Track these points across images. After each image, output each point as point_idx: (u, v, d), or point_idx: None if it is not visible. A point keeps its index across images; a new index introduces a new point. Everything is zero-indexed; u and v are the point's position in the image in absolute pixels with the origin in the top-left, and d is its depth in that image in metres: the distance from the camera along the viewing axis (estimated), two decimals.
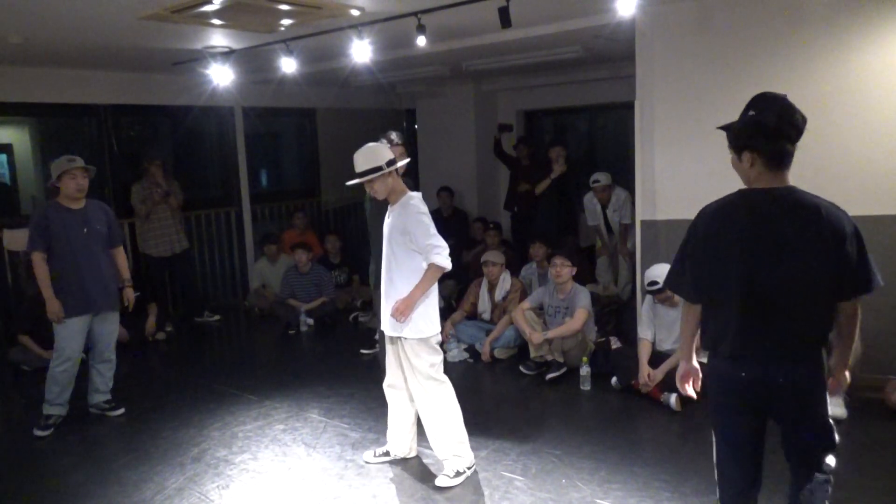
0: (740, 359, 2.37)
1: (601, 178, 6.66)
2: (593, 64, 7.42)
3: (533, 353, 5.20)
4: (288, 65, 5.57)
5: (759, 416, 2.44)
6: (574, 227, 7.60)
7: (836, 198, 2.35)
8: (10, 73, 6.22)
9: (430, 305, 3.50)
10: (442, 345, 3.72)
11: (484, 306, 5.98)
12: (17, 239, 6.25)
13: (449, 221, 8.05)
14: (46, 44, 5.29)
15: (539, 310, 5.42)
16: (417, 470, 3.72)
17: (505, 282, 5.92)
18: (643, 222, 5.11)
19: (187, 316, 7.25)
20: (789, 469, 2.53)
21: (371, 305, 6.64)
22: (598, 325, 5.60)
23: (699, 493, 3.29)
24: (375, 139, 3.61)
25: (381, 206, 3.73)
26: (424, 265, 3.42)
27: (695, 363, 2.66)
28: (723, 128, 2.42)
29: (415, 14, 4.52)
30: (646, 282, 4.66)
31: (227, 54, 5.71)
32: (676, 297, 4.52)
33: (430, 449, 3.65)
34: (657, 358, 4.56)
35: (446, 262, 3.40)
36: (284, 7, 4.31)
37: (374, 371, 5.03)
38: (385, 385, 3.75)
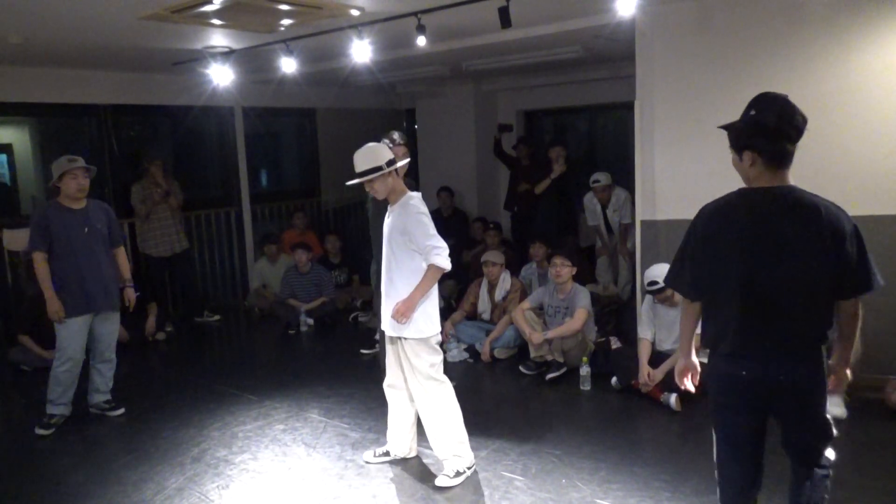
0: (741, 358, 2.38)
1: (601, 178, 6.66)
2: (593, 64, 7.42)
3: (533, 353, 5.20)
4: (288, 65, 5.57)
5: (759, 415, 2.45)
6: (574, 227, 7.60)
7: (836, 198, 2.35)
8: (10, 73, 6.22)
9: (431, 305, 3.50)
10: (442, 345, 3.72)
11: (484, 306, 5.98)
12: (17, 239, 6.24)
13: (449, 221, 8.05)
14: (46, 44, 5.29)
15: (539, 310, 5.42)
16: (417, 470, 3.72)
17: (505, 282, 5.92)
18: (643, 222, 5.11)
19: (187, 316, 7.25)
20: (790, 466, 2.54)
21: (371, 305, 6.64)
22: (598, 325, 5.60)
23: (699, 493, 3.29)
24: (375, 139, 3.61)
25: (383, 207, 3.73)
26: (424, 266, 3.43)
27: (694, 359, 2.67)
28: (724, 127, 2.43)
29: (415, 14, 4.53)
30: (646, 282, 4.66)
31: (227, 54, 5.71)
32: (676, 297, 4.53)
33: (430, 449, 3.65)
34: (657, 358, 4.56)
35: (446, 263, 3.40)
36: (284, 7, 4.31)
37: (374, 371, 5.03)
38: (385, 385, 3.75)
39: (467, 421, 3.64)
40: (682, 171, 4.90)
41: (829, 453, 2.48)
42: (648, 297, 4.75)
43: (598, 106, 8.66)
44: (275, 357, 6.34)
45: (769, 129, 2.26)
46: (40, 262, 4.33)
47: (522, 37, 5.48)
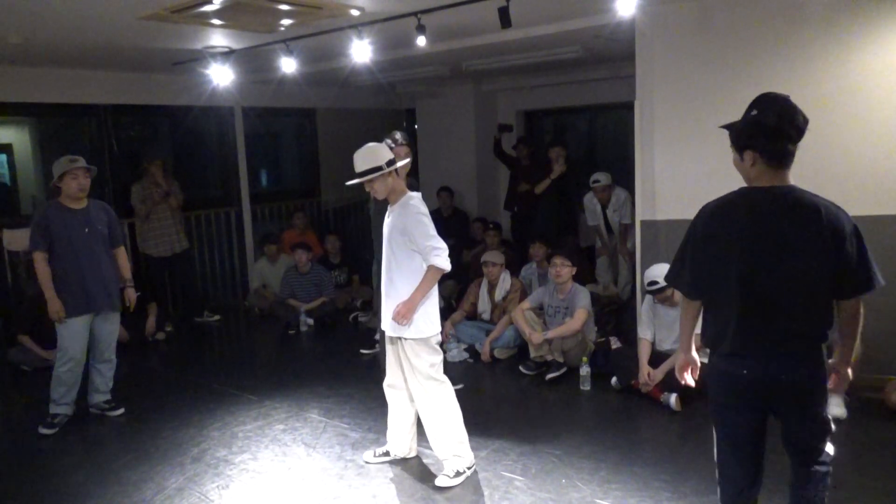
0: (741, 357, 2.38)
1: (601, 178, 6.66)
2: (593, 64, 7.42)
3: (533, 353, 5.20)
4: (288, 65, 5.57)
5: (760, 414, 2.45)
6: (574, 227, 7.60)
7: (836, 198, 2.36)
8: (10, 73, 6.22)
9: (431, 305, 3.50)
10: (442, 345, 3.73)
11: (484, 306, 5.98)
12: (17, 239, 6.25)
13: (449, 221, 8.05)
14: (46, 44, 5.28)
15: (539, 310, 5.42)
16: (417, 470, 3.72)
17: (505, 282, 5.92)
18: (643, 222, 5.11)
19: (187, 316, 7.25)
20: (790, 465, 2.55)
21: (371, 305, 6.64)
22: (598, 325, 5.60)
23: (699, 493, 3.29)
24: (375, 139, 3.61)
25: (384, 207, 3.73)
26: (424, 266, 3.43)
27: (694, 354, 2.69)
28: (725, 127, 2.44)
29: (415, 14, 4.52)
30: (646, 281, 4.66)
31: (227, 54, 5.71)
32: (676, 297, 4.53)
33: (430, 449, 3.65)
34: (657, 358, 4.56)
35: (446, 264, 3.40)
36: (284, 7, 4.31)
37: (374, 371, 5.03)
38: (385, 385, 3.75)
39: (467, 421, 3.64)
40: (682, 171, 4.90)
41: (829, 449, 2.49)
42: (648, 298, 4.75)
43: (598, 106, 8.66)
44: (275, 357, 6.34)
45: (770, 128, 2.27)
46: (41, 262, 4.34)
47: (522, 37, 5.48)
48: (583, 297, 5.20)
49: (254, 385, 5.19)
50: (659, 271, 4.47)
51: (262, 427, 4.39)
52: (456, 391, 4.61)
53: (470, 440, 3.64)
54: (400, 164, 3.58)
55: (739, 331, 2.37)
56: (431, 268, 3.40)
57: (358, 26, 4.80)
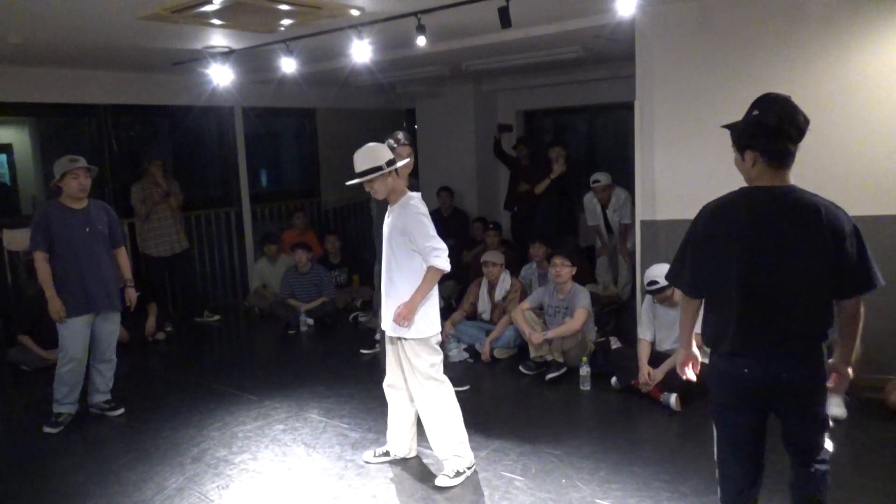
0: (742, 356, 2.39)
1: (601, 178, 6.66)
2: (593, 64, 7.42)
3: (533, 353, 5.20)
4: (288, 65, 5.57)
5: (760, 413, 2.46)
6: (574, 227, 7.59)
7: (836, 198, 2.37)
8: (10, 73, 6.22)
9: (431, 306, 3.50)
10: (442, 345, 3.72)
11: (484, 306, 5.98)
12: (17, 239, 6.25)
13: (449, 221, 8.05)
14: (46, 44, 5.28)
15: (539, 310, 5.42)
16: (417, 470, 3.72)
17: (505, 282, 5.92)
18: (643, 222, 5.11)
19: (187, 316, 7.25)
20: (790, 464, 2.55)
21: (371, 305, 6.64)
22: (598, 325, 5.60)
23: (699, 493, 3.29)
24: (375, 139, 3.61)
25: (386, 207, 3.73)
26: (424, 266, 3.43)
27: (694, 350, 2.70)
28: (727, 127, 2.46)
29: (415, 14, 4.53)
30: (645, 281, 4.66)
31: (227, 54, 5.71)
32: (676, 298, 4.53)
33: (430, 449, 3.65)
34: (657, 358, 4.56)
35: (445, 265, 3.41)
36: (284, 7, 4.31)
37: (374, 371, 5.03)
38: (385, 385, 3.75)
39: (467, 421, 3.64)
40: (682, 171, 4.90)
41: (828, 445, 2.50)
42: (648, 298, 4.75)
43: (598, 106, 8.66)
44: (275, 357, 6.33)
45: (771, 129, 2.28)
46: (41, 261, 4.34)
47: (522, 37, 5.48)
48: (583, 297, 5.20)
49: (254, 385, 5.19)
50: (659, 271, 4.47)
51: (262, 427, 4.39)
52: (460, 392, 4.65)
53: (470, 440, 3.64)
54: (400, 163, 3.57)
55: (740, 330, 2.38)
56: (431, 269, 3.40)
57: (358, 26, 4.80)
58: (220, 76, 5.90)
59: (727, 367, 2.44)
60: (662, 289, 4.49)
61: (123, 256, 4.76)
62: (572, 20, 5.20)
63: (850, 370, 2.51)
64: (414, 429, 3.80)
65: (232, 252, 8.26)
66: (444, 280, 5.10)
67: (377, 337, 5.82)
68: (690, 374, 2.73)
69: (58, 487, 3.69)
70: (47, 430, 4.40)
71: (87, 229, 4.43)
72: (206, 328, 7.20)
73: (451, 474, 3.52)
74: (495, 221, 7.61)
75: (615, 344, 5.28)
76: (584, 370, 4.83)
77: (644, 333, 4.68)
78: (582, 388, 4.82)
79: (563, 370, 5.04)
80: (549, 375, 5.02)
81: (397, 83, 8.50)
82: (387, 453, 3.83)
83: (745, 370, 2.38)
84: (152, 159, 6.73)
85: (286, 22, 4.76)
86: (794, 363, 2.35)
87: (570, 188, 7.37)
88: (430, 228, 3.42)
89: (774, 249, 2.30)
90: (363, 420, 4.43)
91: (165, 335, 6.65)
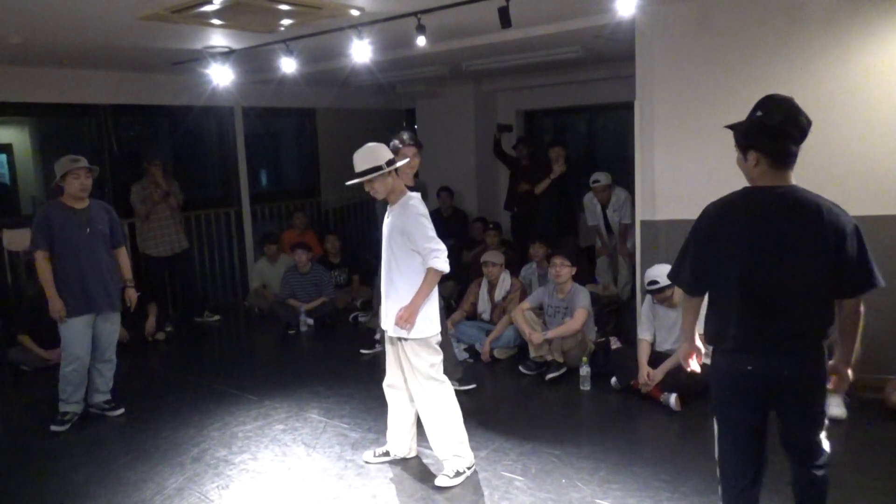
0: (745, 353, 2.41)
1: (601, 178, 6.66)
2: (593, 64, 7.42)
3: (533, 353, 5.20)
4: (288, 65, 5.57)
5: (762, 410, 2.48)
6: (574, 227, 7.59)
7: (836, 198, 2.39)
8: (10, 73, 6.22)
9: (430, 306, 3.50)
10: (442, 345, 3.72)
11: (484, 306, 5.98)
12: (17, 239, 6.24)
13: (449, 221, 8.06)
14: (46, 44, 5.29)
15: (539, 310, 5.42)
16: (417, 470, 3.72)
17: (505, 282, 5.92)
18: (643, 222, 5.11)
19: (187, 316, 7.25)
20: (789, 464, 2.56)
21: (371, 305, 6.64)
22: (598, 325, 5.60)
23: (699, 493, 3.29)
24: (375, 139, 3.61)
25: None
26: (423, 267, 3.42)
27: (697, 342, 2.71)
28: (730, 127, 2.48)
29: (415, 14, 4.53)
30: (646, 281, 4.66)
31: (227, 54, 5.71)
32: (675, 298, 4.53)
33: (430, 449, 3.65)
34: (657, 359, 4.56)
35: (445, 266, 3.41)
36: (284, 7, 4.31)
37: (374, 371, 5.03)
38: (385, 385, 3.75)
39: (467, 421, 3.64)
40: (682, 171, 4.89)
41: (826, 446, 2.51)
42: (648, 298, 4.75)
43: (597, 106, 8.66)
44: (275, 357, 6.33)
45: (774, 129, 2.31)
46: (42, 261, 4.34)
47: (522, 37, 5.49)
48: (583, 297, 5.20)
49: (254, 385, 5.19)
50: (659, 271, 4.47)
51: (262, 427, 4.39)
52: (466, 391, 4.65)
53: (470, 440, 3.64)
54: (400, 163, 3.58)
55: (742, 328, 2.40)
56: (431, 270, 3.40)
57: (358, 26, 4.80)
58: (220, 76, 5.90)
59: (730, 365, 2.45)
60: (662, 289, 4.50)
61: (124, 256, 4.76)
62: (572, 20, 5.20)
63: (850, 371, 2.51)
64: (414, 429, 3.80)
65: (232, 252, 8.26)
66: (444, 280, 5.11)
67: (377, 337, 5.83)
68: (695, 365, 2.75)
69: (58, 487, 3.69)
70: (54, 428, 4.41)
71: (88, 229, 4.44)
72: (206, 328, 7.19)
73: (451, 474, 3.52)
74: (495, 221, 7.61)
75: (615, 344, 5.27)
76: (584, 370, 4.83)
77: (644, 334, 4.68)
78: (582, 388, 4.82)
79: (563, 370, 5.04)
80: (549, 375, 5.01)
81: (397, 83, 8.51)
82: (387, 453, 3.83)
83: (749, 367, 2.40)
84: (152, 159, 6.72)
85: (286, 22, 4.76)
86: (796, 361, 2.37)
87: (570, 188, 7.37)
88: (430, 229, 3.42)
89: (776, 249, 2.32)
90: (363, 420, 4.43)
91: (165, 335, 6.65)
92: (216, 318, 7.36)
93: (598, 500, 3.30)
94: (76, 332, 4.41)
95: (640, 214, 5.13)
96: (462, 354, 5.65)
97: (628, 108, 5.46)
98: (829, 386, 2.47)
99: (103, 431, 4.47)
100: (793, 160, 2.35)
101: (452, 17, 4.69)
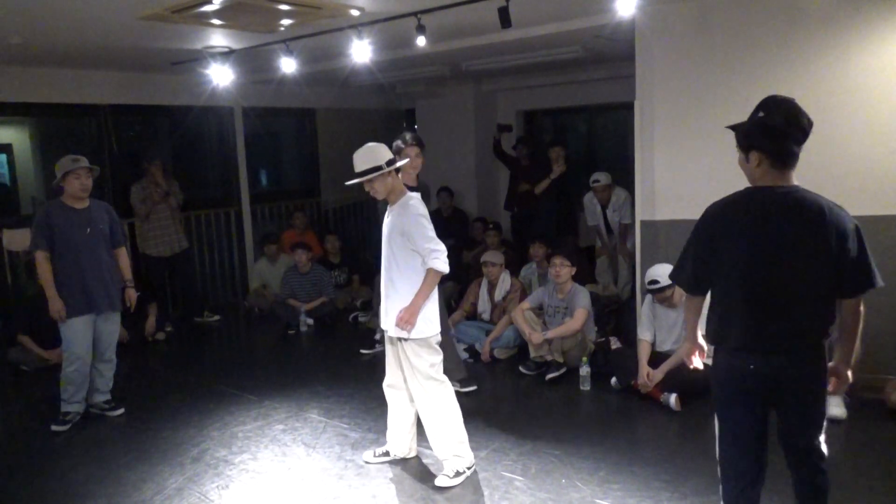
0: (748, 351, 2.42)
1: (601, 178, 6.66)
2: (593, 64, 7.42)
3: (533, 354, 5.20)
4: (288, 65, 5.57)
5: (763, 409, 2.49)
6: (574, 227, 7.60)
7: (836, 198, 2.40)
8: (10, 73, 6.22)
9: (430, 306, 3.49)
10: (442, 345, 3.72)
11: (484, 306, 5.98)
12: (17, 239, 6.25)
13: (449, 221, 8.05)
14: (46, 44, 5.29)
15: (539, 310, 5.42)
16: (417, 470, 3.72)
17: (504, 282, 5.92)
18: (643, 222, 5.11)
19: (187, 316, 7.25)
20: (789, 464, 2.56)
21: (371, 305, 6.64)
22: (598, 325, 5.60)
23: (699, 493, 3.29)
24: (375, 139, 3.61)
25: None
26: (423, 267, 3.42)
27: (700, 340, 2.72)
28: (732, 127, 2.50)
29: (415, 14, 4.53)
30: (647, 280, 4.66)
31: (227, 54, 5.71)
32: (675, 298, 4.53)
33: (430, 449, 3.65)
34: (657, 359, 4.56)
35: (444, 267, 3.41)
36: (284, 7, 4.31)
37: (374, 371, 5.03)
38: (385, 385, 3.75)
39: (467, 421, 3.64)
40: (682, 171, 4.89)
41: (824, 448, 2.51)
42: (648, 298, 4.75)
43: (597, 106, 8.66)
44: (275, 357, 6.33)
45: (776, 130, 2.33)
46: (43, 261, 4.34)
47: (522, 37, 5.48)
48: (582, 297, 5.20)
49: (254, 385, 5.19)
50: (661, 270, 4.47)
51: (261, 427, 4.39)
52: (463, 392, 4.65)
53: (470, 440, 3.64)
54: (400, 163, 3.58)
55: (743, 328, 2.41)
56: (430, 271, 3.40)
57: (358, 26, 4.80)
58: (220, 76, 5.90)
59: (732, 364, 2.47)
60: (663, 288, 4.50)
61: (124, 257, 4.76)
62: (572, 20, 5.20)
63: (849, 373, 2.52)
64: (414, 429, 3.80)
65: (232, 252, 8.26)
66: (445, 280, 5.11)
67: (377, 337, 5.83)
68: (698, 362, 2.76)
69: (57, 487, 3.69)
70: (54, 428, 4.41)
71: (89, 229, 4.44)
72: (206, 328, 7.19)
73: (451, 474, 3.51)
74: (495, 221, 7.60)
75: (615, 344, 5.28)
76: (584, 370, 4.83)
77: (644, 334, 4.68)
78: (582, 388, 4.81)
79: (563, 370, 5.04)
80: (549, 375, 5.01)
81: (397, 83, 8.51)
82: (387, 453, 3.83)
83: (752, 366, 2.41)
84: (152, 159, 6.72)
85: (286, 22, 4.76)
86: (797, 361, 2.38)
87: (570, 188, 7.37)
88: (430, 230, 3.42)
89: (777, 249, 2.34)
90: (363, 420, 4.43)
91: (165, 335, 6.65)
92: (216, 318, 7.36)
93: (598, 500, 3.30)
94: (77, 332, 4.41)
95: (640, 214, 5.13)
96: (462, 354, 5.65)
97: (628, 108, 5.46)
98: (829, 389, 2.47)
99: (103, 431, 4.47)
100: (794, 160, 2.36)
101: (452, 17, 4.69)
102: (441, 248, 3.40)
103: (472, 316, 6.05)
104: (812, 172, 3.10)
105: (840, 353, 2.51)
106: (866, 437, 3.85)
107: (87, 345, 4.46)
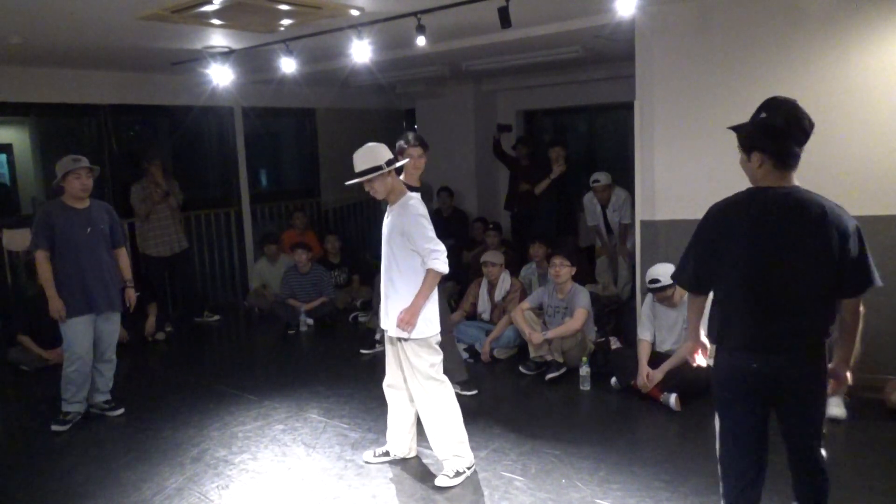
0: (750, 351, 2.43)
1: (601, 178, 6.66)
2: (593, 64, 7.42)
3: (533, 353, 5.20)
4: (288, 65, 5.57)
5: (764, 409, 2.49)
6: (574, 227, 7.60)
7: (836, 198, 2.41)
8: (10, 73, 6.22)
9: (430, 306, 3.49)
10: (443, 345, 3.72)
11: (484, 306, 5.98)
12: (17, 239, 6.25)
13: (449, 221, 8.05)
14: (46, 44, 5.29)
15: (539, 310, 5.42)
16: (417, 470, 3.72)
17: (504, 282, 5.92)
18: (643, 222, 5.11)
19: (187, 316, 7.25)
20: (789, 464, 2.56)
21: (371, 305, 6.65)
22: (598, 325, 5.60)
23: (699, 493, 3.29)
24: (375, 139, 3.61)
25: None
26: (423, 267, 3.42)
27: (703, 339, 2.72)
28: (733, 128, 2.50)
29: (415, 14, 4.53)
30: (647, 279, 4.66)
31: (227, 54, 5.71)
32: (676, 298, 4.54)
33: (430, 449, 3.65)
34: (657, 359, 4.56)
35: (444, 268, 3.41)
36: (284, 7, 4.31)
37: (374, 371, 5.03)
38: (385, 385, 3.75)
39: (467, 421, 3.64)
40: (682, 171, 4.89)
41: (824, 448, 2.52)
42: (648, 298, 4.75)
43: (597, 106, 8.66)
44: (275, 357, 6.33)
45: (778, 131, 2.34)
46: (43, 261, 4.34)
47: (522, 37, 5.49)
48: (582, 297, 5.20)
49: (254, 385, 5.19)
50: (661, 269, 4.47)
51: (261, 427, 4.39)
52: (465, 396, 4.65)
53: (470, 440, 3.64)
54: (400, 163, 3.58)
55: (744, 328, 2.42)
56: (430, 271, 3.40)
57: (358, 26, 4.80)
58: (220, 76, 5.90)
59: (734, 363, 2.47)
60: (663, 287, 4.50)
61: (124, 257, 4.76)
62: (572, 20, 5.20)
63: (848, 374, 2.53)
64: (414, 429, 3.80)
65: (232, 252, 8.26)
66: (445, 280, 5.11)
67: (377, 337, 5.83)
68: (701, 360, 2.77)
69: (57, 487, 3.68)
70: (55, 427, 4.41)
71: (89, 229, 4.44)
72: (205, 328, 7.19)
73: (451, 474, 3.51)
74: (495, 221, 7.60)
75: (615, 344, 5.28)
76: (584, 370, 4.83)
77: (644, 334, 4.68)
78: (582, 388, 4.81)
79: (563, 370, 5.04)
80: (549, 375, 5.01)
81: (397, 83, 8.51)
82: (387, 453, 3.83)
83: (754, 365, 2.41)
84: (152, 159, 6.72)
85: (286, 22, 4.76)
86: (798, 360, 2.39)
87: (569, 188, 7.37)
88: (429, 230, 3.42)
89: (778, 249, 2.35)
90: (363, 420, 4.43)
91: (165, 335, 6.65)
92: (216, 318, 7.36)
93: (597, 500, 3.30)
94: (78, 332, 4.41)
95: (640, 214, 5.13)
96: (462, 354, 5.65)
97: (628, 108, 5.47)
98: (828, 390, 2.48)
99: (103, 431, 4.47)
100: (796, 161, 2.37)
101: (452, 17, 4.69)
102: (441, 249, 3.40)
103: (472, 316, 6.05)
104: (812, 172, 3.10)
105: (839, 354, 2.52)
106: (866, 437, 3.85)
107: (87, 345, 4.46)
